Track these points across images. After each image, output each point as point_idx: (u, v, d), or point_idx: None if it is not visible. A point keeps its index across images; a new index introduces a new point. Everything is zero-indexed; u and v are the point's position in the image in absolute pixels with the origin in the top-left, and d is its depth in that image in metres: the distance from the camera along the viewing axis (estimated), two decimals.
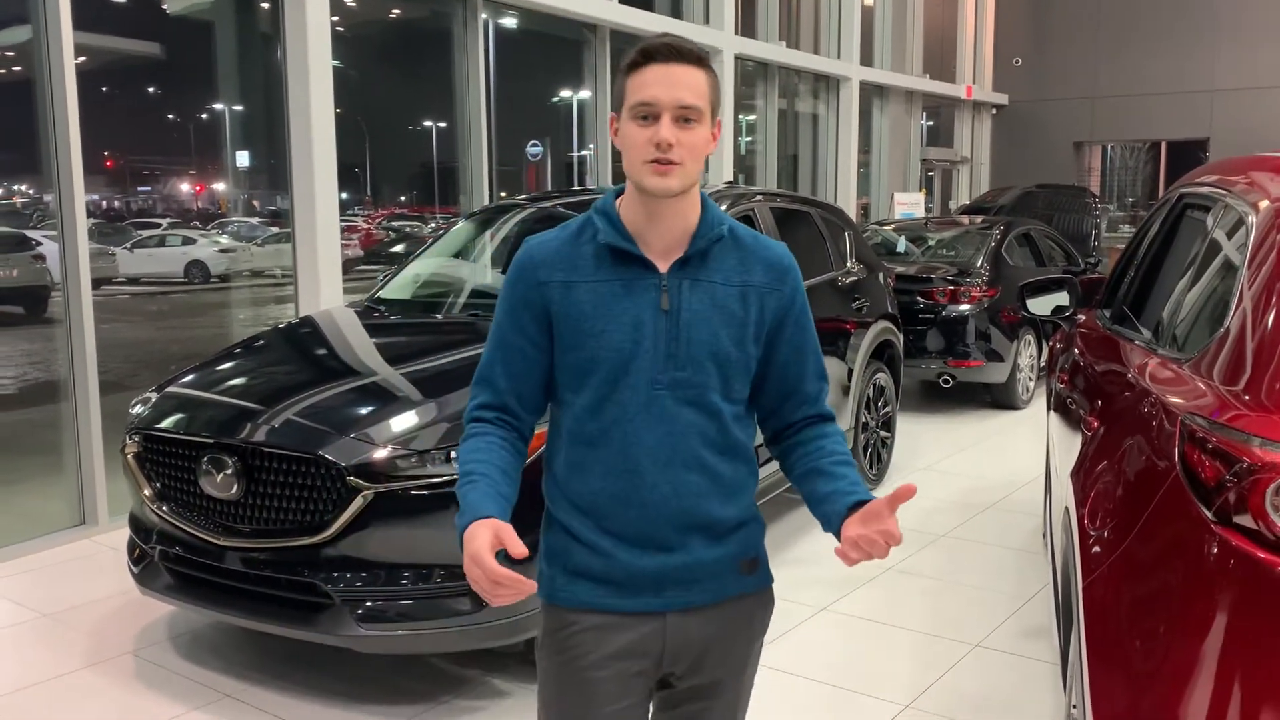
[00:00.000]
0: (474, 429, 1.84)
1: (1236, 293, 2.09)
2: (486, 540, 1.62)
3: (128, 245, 11.06)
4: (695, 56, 1.72)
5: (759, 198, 5.59)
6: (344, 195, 6.59)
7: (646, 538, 1.77)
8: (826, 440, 1.89)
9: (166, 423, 3.80)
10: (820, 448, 1.88)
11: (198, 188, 12.54)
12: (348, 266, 7.35)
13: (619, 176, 10.15)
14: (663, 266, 1.77)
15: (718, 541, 1.82)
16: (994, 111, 19.03)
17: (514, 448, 1.85)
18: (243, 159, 9.25)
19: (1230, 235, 2.39)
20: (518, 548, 1.61)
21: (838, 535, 1.75)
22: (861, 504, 1.73)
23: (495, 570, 1.58)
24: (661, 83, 1.68)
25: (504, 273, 5.45)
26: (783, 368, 1.87)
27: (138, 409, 4.00)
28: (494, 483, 1.75)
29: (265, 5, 7.38)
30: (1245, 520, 1.69)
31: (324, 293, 6.54)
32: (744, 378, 1.83)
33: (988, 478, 6.47)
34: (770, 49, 12.11)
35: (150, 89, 10.65)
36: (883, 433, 6.35)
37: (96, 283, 5.57)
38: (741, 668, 1.93)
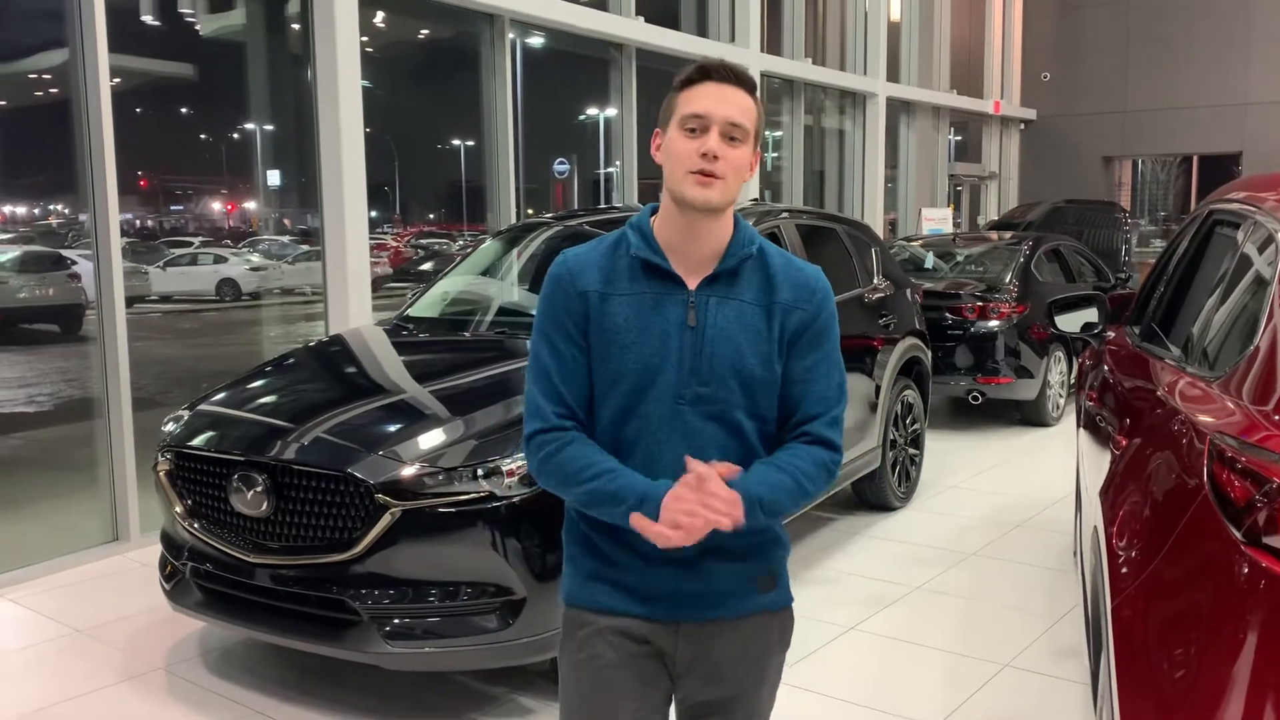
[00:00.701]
0: (566, 436, 1.83)
1: (1266, 310, 2.07)
2: (685, 481, 1.69)
3: (160, 264, 11.23)
4: (750, 83, 1.81)
5: (785, 215, 5.59)
6: (373, 213, 6.66)
7: (663, 551, 1.78)
8: (786, 450, 1.83)
9: (198, 440, 3.84)
10: (775, 455, 1.83)
11: (229, 206, 12.72)
12: (377, 284, 7.42)
13: (644, 194, 10.18)
14: (692, 283, 1.82)
15: (734, 558, 1.85)
16: (1022, 126, 18.94)
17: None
18: (274, 178, 9.37)
19: (1260, 252, 2.37)
20: (730, 465, 1.72)
21: None
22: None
23: (717, 487, 1.66)
24: (715, 98, 1.76)
25: (531, 290, 5.45)
26: (788, 385, 1.85)
27: (170, 426, 4.05)
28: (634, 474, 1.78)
29: (295, 26, 7.48)
30: (1275, 541, 1.67)
31: (353, 310, 6.60)
32: (771, 395, 1.84)
33: (1018, 495, 6.42)
34: (796, 66, 12.14)
35: (183, 109, 10.82)
36: (911, 450, 6.32)
37: (129, 301, 5.65)
38: (758, 685, 1.93)
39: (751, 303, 1.82)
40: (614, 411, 1.83)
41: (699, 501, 1.67)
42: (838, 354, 1.90)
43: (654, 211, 1.89)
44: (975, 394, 8.13)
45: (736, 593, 1.86)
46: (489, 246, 5.67)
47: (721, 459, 1.78)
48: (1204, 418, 2.04)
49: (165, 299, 11.05)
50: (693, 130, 1.76)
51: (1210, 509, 1.81)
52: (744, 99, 1.78)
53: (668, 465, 1.78)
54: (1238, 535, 1.73)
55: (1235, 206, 2.83)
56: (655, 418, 1.80)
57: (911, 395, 6.29)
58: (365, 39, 6.83)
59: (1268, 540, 1.68)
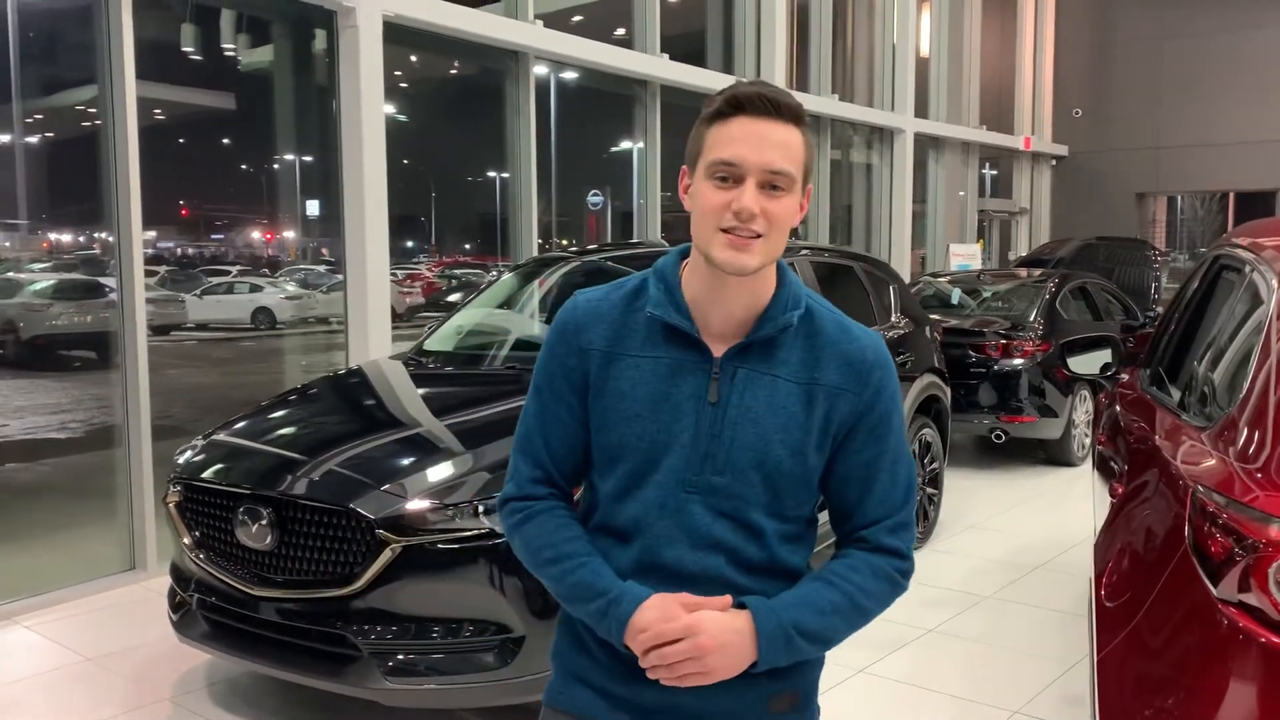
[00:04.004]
0: (538, 506, 1.61)
1: (1254, 362, 2.05)
2: (676, 606, 1.46)
3: (197, 292, 11.40)
4: (793, 112, 1.46)
5: (804, 252, 5.59)
6: (409, 244, 6.72)
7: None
8: (841, 559, 1.57)
9: (207, 473, 3.88)
10: (828, 565, 1.57)
11: (268, 236, 12.91)
12: (410, 313, 7.47)
13: (667, 229, 10.22)
14: (719, 350, 1.52)
15: (741, 682, 1.51)
16: (1054, 162, 18.84)
17: (580, 524, 1.63)
18: (312, 208, 9.49)
19: (1254, 301, 2.34)
20: (721, 601, 1.47)
21: None
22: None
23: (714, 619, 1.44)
24: (750, 140, 1.43)
25: (547, 323, 5.45)
26: (843, 483, 1.56)
27: (184, 457, 4.10)
28: (601, 563, 1.55)
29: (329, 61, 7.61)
30: (1251, 599, 1.64)
31: (372, 340, 6.67)
32: (803, 492, 1.54)
33: (1038, 537, 6.33)
34: (823, 102, 12.17)
35: (225, 140, 11.02)
36: (929, 490, 6.26)
37: (165, 329, 5.73)
38: None
39: (789, 380, 1.51)
40: (613, 489, 1.56)
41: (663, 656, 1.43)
42: (903, 444, 1.59)
43: (684, 255, 1.59)
44: (999, 432, 8.04)
45: (742, 713, 1.55)
46: (505, 280, 5.71)
47: (730, 564, 1.51)
48: (1189, 469, 2.01)
49: (201, 326, 11.21)
50: (724, 179, 1.44)
51: (1190, 563, 1.78)
52: (788, 134, 1.45)
53: (663, 565, 1.52)
54: (1215, 591, 1.70)
55: (1238, 252, 2.80)
56: (656, 505, 1.51)
57: (930, 434, 6.24)
58: (400, 74, 6.94)
59: (1244, 597, 1.65)
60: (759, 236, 1.43)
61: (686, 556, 1.50)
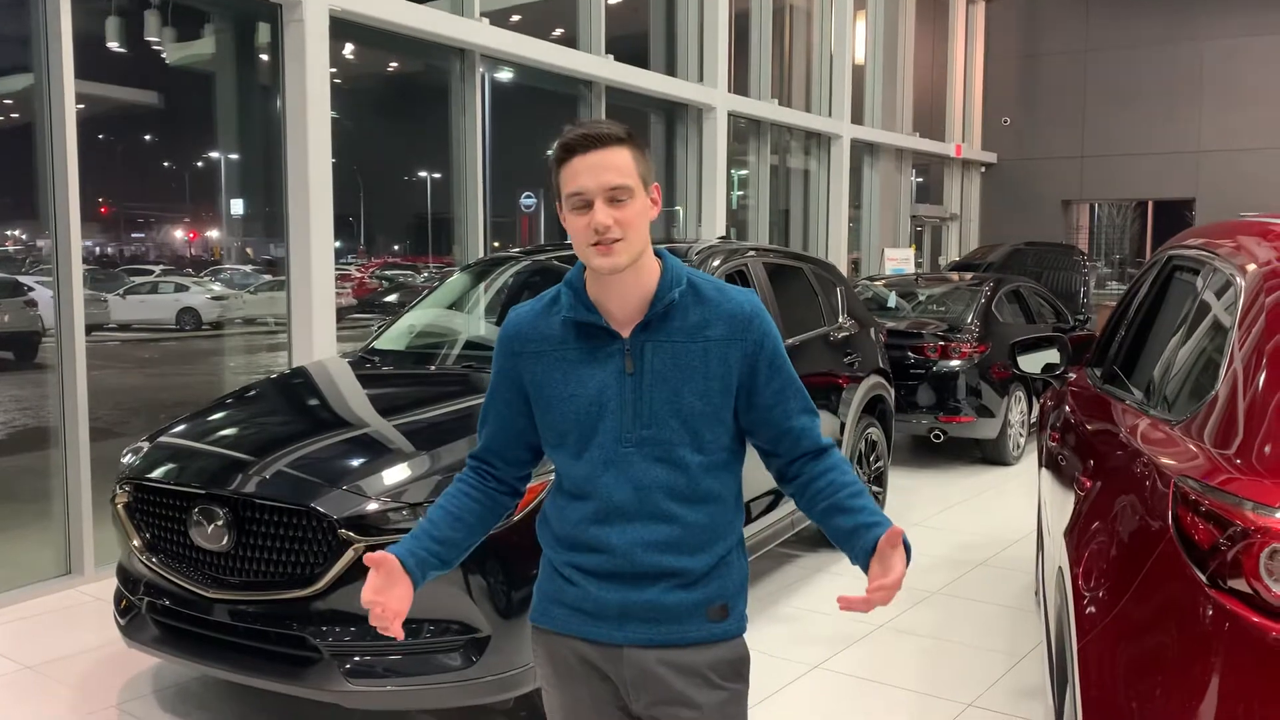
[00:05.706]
0: (460, 474, 2.06)
1: (1227, 355, 2.12)
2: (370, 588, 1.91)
3: (120, 291, 11.08)
4: (614, 138, 1.81)
5: (752, 253, 5.63)
6: (338, 244, 6.61)
7: (614, 577, 1.89)
8: (834, 473, 1.94)
9: (157, 473, 3.77)
10: (831, 482, 1.93)
11: (192, 235, 12.61)
12: (341, 315, 7.36)
13: None
14: (626, 331, 1.88)
15: (686, 588, 1.89)
16: (983, 169, 19.26)
17: (482, 493, 2.03)
18: (237, 207, 9.30)
19: (1219, 298, 2.42)
20: (390, 567, 1.88)
21: (866, 570, 1.83)
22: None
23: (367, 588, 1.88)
24: (587, 172, 1.78)
25: (498, 324, 5.48)
26: (767, 411, 1.93)
27: (129, 458, 3.98)
28: (432, 525, 1.97)
29: (264, 57, 7.46)
30: (1239, 584, 1.70)
31: (317, 341, 6.54)
32: (716, 427, 1.89)
33: (979, 534, 6.46)
34: (762, 106, 12.28)
35: (147, 137, 10.73)
36: (874, 487, 6.35)
37: (88, 329, 5.56)
38: (714, 713, 1.92)
39: (685, 341, 1.87)
40: (566, 457, 1.92)
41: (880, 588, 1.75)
42: (792, 368, 1.97)
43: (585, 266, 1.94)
44: (937, 432, 8.20)
45: (683, 619, 1.89)
46: (456, 280, 5.65)
47: (666, 496, 1.87)
48: (1167, 461, 2.07)
49: (124, 327, 10.89)
50: (579, 206, 1.80)
51: (1175, 551, 1.83)
52: (616, 157, 1.80)
53: (615, 506, 1.88)
54: (1202, 578, 1.75)
55: (1193, 253, 2.89)
56: (601, 462, 1.87)
57: (875, 433, 6.33)
58: (333, 70, 6.83)
59: (1231, 583, 1.71)
60: (619, 240, 1.79)
61: (632, 496, 1.86)
